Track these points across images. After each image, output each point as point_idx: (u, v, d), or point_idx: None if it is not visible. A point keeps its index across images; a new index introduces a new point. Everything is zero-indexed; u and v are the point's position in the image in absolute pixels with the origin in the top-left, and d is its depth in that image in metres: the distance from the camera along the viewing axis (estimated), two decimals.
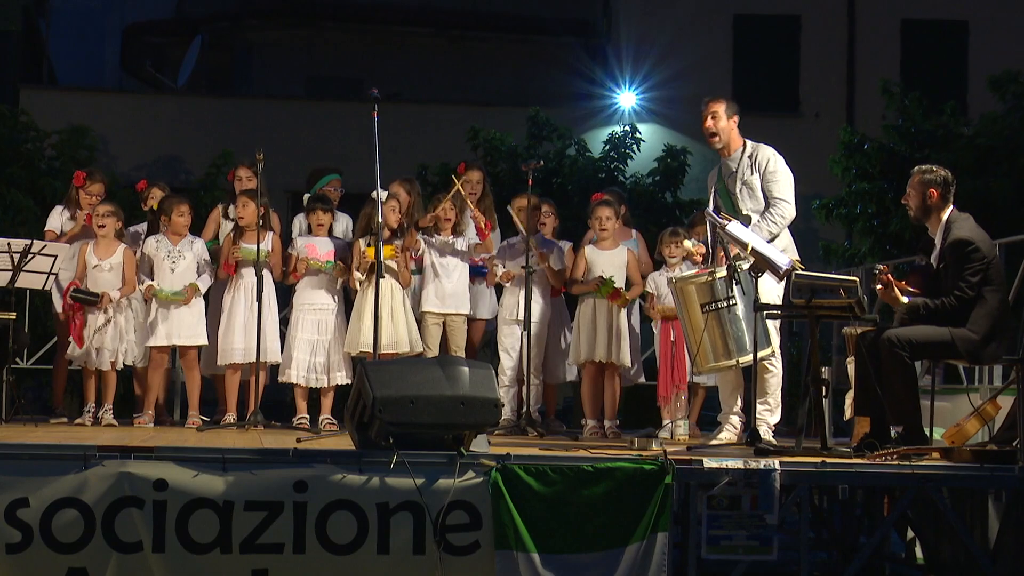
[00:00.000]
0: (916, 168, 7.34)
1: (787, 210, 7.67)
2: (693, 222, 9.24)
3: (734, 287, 7.30)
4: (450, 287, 9.00)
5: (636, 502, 6.14)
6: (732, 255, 7.53)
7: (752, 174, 7.81)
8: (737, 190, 7.84)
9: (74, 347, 8.67)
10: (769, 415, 7.77)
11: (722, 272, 7.36)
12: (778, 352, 7.77)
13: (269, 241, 8.80)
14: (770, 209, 7.69)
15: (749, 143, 7.89)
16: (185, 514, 5.95)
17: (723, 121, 7.87)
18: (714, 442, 7.96)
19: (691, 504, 6.32)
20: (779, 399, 7.80)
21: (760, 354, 7.27)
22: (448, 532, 6.05)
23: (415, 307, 9.01)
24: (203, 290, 8.86)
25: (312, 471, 6.07)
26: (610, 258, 8.96)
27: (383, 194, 9.25)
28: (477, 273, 9.32)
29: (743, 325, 7.30)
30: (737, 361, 7.36)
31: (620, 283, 8.88)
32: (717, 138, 7.89)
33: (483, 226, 9.19)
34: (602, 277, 8.81)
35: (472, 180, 9.45)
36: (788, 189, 7.72)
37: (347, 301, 9.02)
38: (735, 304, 7.29)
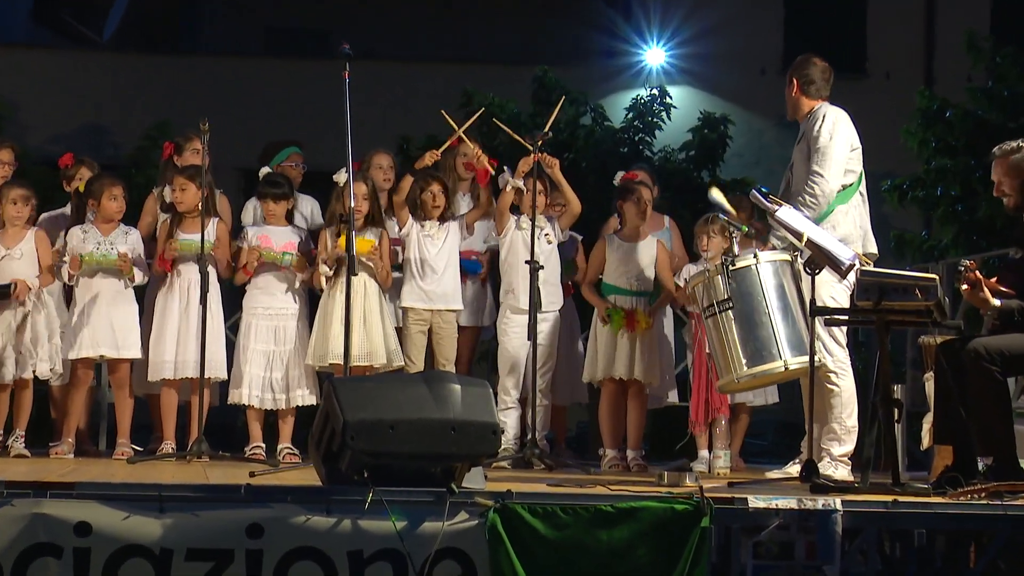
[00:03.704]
0: (998, 149, 7.37)
1: (820, 187, 7.73)
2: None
3: (728, 285, 7.33)
4: (438, 281, 9.00)
5: (666, 549, 6.15)
6: (728, 246, 7.61)
7: (803, 145, 7.89)
8: (791, 167, 7.94)
9: None
10: (835, 444, 7.79)
11: (714, 269, 7.41)
12: (843, 364, 7.79)
13: (213, 230, 8.80)
14: (803, 187, 7.75)
15: (815, 108, 8.00)
16: (113, 565, 5.94)
17: (787, 88, 8.07)
18: (777, 475, 7.97)
19: (733, 552, 6.33)
20: (850, 424, 7.82)
21: (791, 364, 7.27)
22: None
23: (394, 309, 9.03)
24: (138, 280, 8.84)
25: (269, 512, 6.06)
26: (636, 252, 8.97)
27: (368, 172, 9.31)
28: (469, 270, 9.33)
29: (747, 332, 7.32)
30: (735, 379, 7.37)
31: (649, 280, 8.90)
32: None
33: (485, 163, 9.16)
34: (608, 308, 8.84)
35: (469, 154, 9.45)
36: (829, 161, 7.78)
37: (311, 303, 9.03)
38: (731, 307, 7.32)
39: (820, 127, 7.86)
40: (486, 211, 9.30)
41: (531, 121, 15.33)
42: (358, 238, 8.36)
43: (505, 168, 9.14)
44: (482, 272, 9.41)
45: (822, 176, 7.75)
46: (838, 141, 7.84)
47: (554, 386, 9.25)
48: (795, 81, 8.04)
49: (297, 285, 8.92)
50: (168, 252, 8.77)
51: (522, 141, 9.08)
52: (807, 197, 7.73)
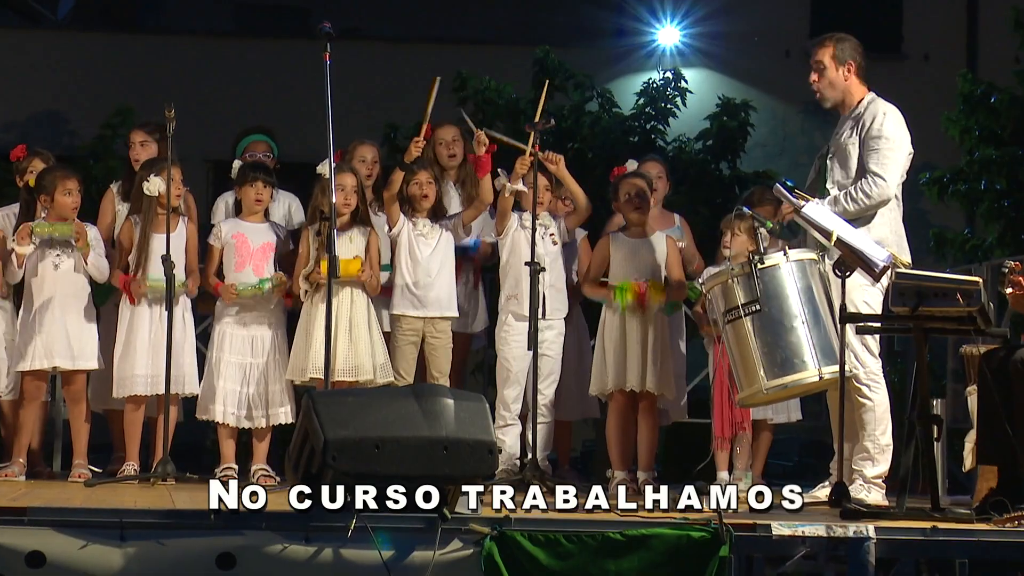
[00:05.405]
0: None
1: (880, 189, 7.71)
2: (751, 199, 9.26)
3: (756, 286, 7.34)
4: (431, 285, 8.97)
5: None
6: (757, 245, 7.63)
7: (851, 136, 7.86)
8: (829, 157, 7.93)
9: None
10: (868, 465, 7.78)
11: (738, 268, 7.42)
12: (876, 376, 7.79)
13: (182, 231, 8.79)
14: (858, 182, 7.74)
15: (869, 97, 7.99)
16: None
17: (832, 72, 7.98)
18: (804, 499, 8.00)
19: None
20: (884, 443, 7.82)
21: (826, 373, 7.26)
22: None
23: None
24: (99, 276, 8.79)
25: (242, 540, 6.08)
26: (643, 250, 8.97)
27: (351, 165, 9.27)
28: (461, 253, 9.25)
29: (775, 338, 7.32)
30: (762, 389, 7.37)
31: (658, 280, 8.90)
32: (822, 96, 8.03)
33: (483, 144, 8.99)
34: (615, 286, 8.83)
35: (446, 139, 9.41)
36: (891, 163, 7.75)
37: (291, 312, 9.01)
38: (757, 310, 7.33)
39: (883, 124, 7.80)
40: (484, 206, 9.22)
41: (531, 108, 15.31)
42: (344, 259, 8.34)
43: (500, 171, 9.05)
44: (481, 248, 9.34)
45: (883, 179, 7.70)
46: (901, 144, 7.83)
47: (563, 400, 9.23)
48: (851, 63, 7.97)
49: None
50: (135, 291, 8.69)
51: (518, 146, 8.98)
52: (860, 194, 7.69)
